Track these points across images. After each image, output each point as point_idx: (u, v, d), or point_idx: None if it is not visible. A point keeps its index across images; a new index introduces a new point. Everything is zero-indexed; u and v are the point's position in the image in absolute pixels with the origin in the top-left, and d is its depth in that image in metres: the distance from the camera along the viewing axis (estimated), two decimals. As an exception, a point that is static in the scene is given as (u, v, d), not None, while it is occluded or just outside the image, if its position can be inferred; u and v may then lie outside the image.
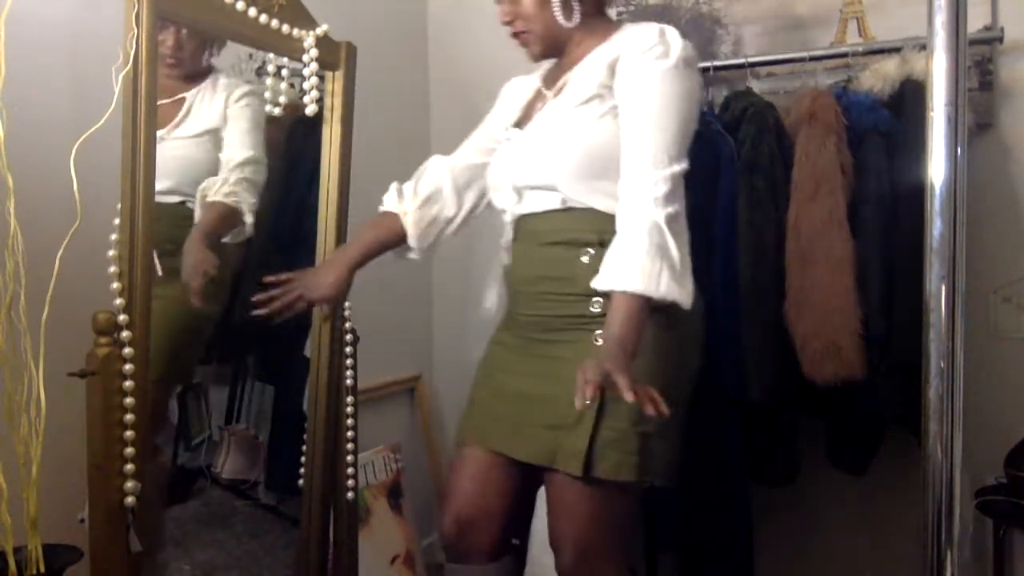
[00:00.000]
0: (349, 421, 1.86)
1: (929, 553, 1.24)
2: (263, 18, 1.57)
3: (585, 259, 1.42)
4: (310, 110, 1.69)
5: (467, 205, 1.70)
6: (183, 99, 1.67)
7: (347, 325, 1.84)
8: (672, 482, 1.44)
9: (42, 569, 1.27)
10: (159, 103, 1.50)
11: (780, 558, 2.25)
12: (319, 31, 1.69)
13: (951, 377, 1.21)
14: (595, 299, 1.40)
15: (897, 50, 1.96)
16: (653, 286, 1.28)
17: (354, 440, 1.87)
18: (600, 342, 1.33)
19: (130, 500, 1.31)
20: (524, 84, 1.69)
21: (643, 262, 1.29)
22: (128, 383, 1.30)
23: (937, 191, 1.21)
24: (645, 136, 1.36)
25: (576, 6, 1.50)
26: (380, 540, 2.28)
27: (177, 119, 1.66)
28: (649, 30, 1.42)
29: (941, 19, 1.19)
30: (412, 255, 1.72)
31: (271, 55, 1.69)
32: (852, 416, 1.93)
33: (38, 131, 1.44)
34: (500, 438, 1.51)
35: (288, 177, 1.93)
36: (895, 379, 1.84)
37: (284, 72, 1.70)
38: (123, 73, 1.30)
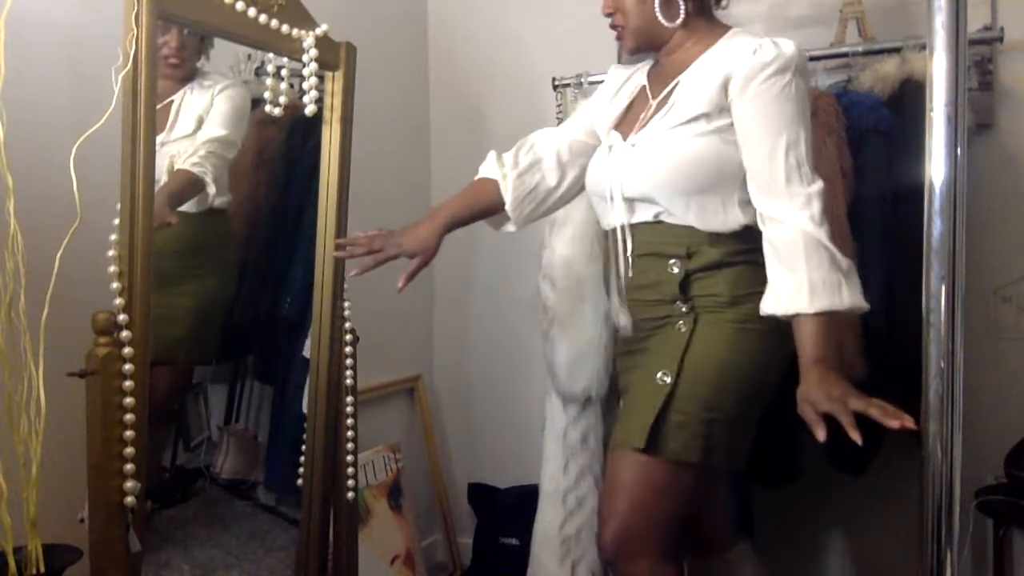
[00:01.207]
0: (349, 421, 1.86)
1: (929, 553, 1.24)
2: (263, 18, 1.57)
3: (674, 269, 1.47)
4: (310, 110, 1.69)
5: (569, 179, 1.69)
6: (171, 102, 1.70)
7: (347, 325, 1.84)
8: (738, 466, 1.49)
9: (42, 569, 1.27)
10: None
11: (780, 558, 2.25)
12: (319, 31, 1.69)
13: (951, 377, 1.21)
14: (679, 301, 1.47)
15: (897, 50, 1.96)
16: (838, 300, 1.32)
17: (354, 440, 1.87)
18: (683, 330, 1.44)
19: (130, 500, 1.31)
20: (628, 76, 1.66)
21: (823, 279, 1.32)
22: (128, 383, 1.30)
23: (937, 191, 1.20)
24: (779, 155, 1.38)
25: (681, 5, 1.49)
26: (380, 540, 2.28)
27: (169, 122, 1.69)
28: (764, 46, 1.41)
29: (941, 19, 1.19)
30: (509, 226, 1.72)
31: (271, 55, 1.69)
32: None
33: (38, 131, 1.44)
34: (616, 431, 1.55)
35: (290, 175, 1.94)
36: (895, 379, 1.84)
37: (284, 72, 1.70)
38: (123, 73, 1.30)
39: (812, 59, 2.06)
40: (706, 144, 1.45)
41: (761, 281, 1.41)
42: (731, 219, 1.46)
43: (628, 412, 1.49)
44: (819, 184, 1.39)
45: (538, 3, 2.58)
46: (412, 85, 2.69)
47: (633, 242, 1.52)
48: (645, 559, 1.44)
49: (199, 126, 1.72)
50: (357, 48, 1.80)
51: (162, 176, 1.59)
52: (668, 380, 1.42)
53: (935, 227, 1.21)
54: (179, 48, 1.67)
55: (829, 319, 1.33)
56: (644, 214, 1.51)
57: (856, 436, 1.22)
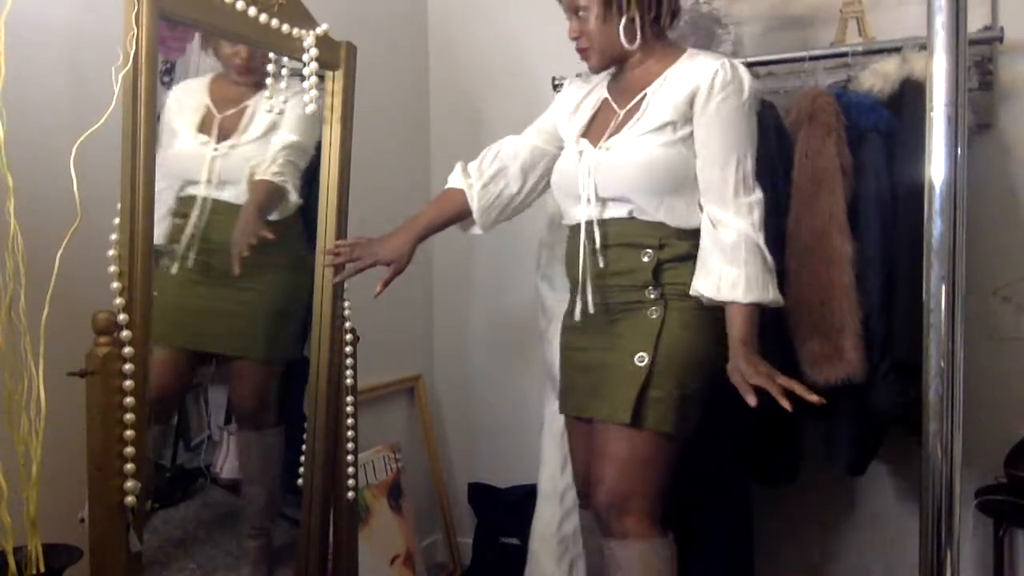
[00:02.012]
0: (349, 421, 1.86)
1: (929, 553, 1.24)
2: (263, 18, 1.57)
3: (645, 258, 1.64)
4: (309, 110, 1.69)
5: (530, 184, 1.86)
6: (246, 107, 1.74)
7: (347, 325, 1.85)
8: (695, 437, 1.66)
9: (42, 569, 1.28)
10: (224, 115, 1.71)
11: (780, 558, 2.25)
12: (319, 31, 1.69)
13: (951, 377, 1.21)
14: (650, 287, 1.63)
15: (897, 50, 1.96)
16: (765, 295, 1.57)
17: (354, 440, 1.87)
18: (651, 316, 1.62)
19: (130, 500, 1.31)
20: (586, 90, 1.81)
21: (756, 277, 1.56)
22: (128, 383, 1.30)
23: (937, 191, 1.20)
24: (731, 167, 1.59)
25: (638, 30, 1.65)
26: (380, 540, 2.28)
27: (242, 126, 1.74)
28: (724, 66, 1.60)
29: (941, 19, 1.19)
30: (476, 230, 1.88)
31: (272, 55, 1.69)
32: (852, 416, 1.93)
33: (38, 131, 1.44)
34: (576, 404, 1.74)
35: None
36: (895, 379, 1.84)
37: (284, 72, 1.70)
38: (123, 73, 1.30)
39: (812, 59, 2.07)
40: (673, 151, 1.62)
41: None
42: (694, 217, 1.64)
43: (609, 389, 1.63)
44: (759, 194, 1.61)
45: (538, 3, 2.56)
46: (412, 85, 2.69)
47: (606, 236, 1.66)
48: (634, 515, 1.61)
49: (270, 130, 1.76)
50: (357, 48, 1.80)
51: (222, 177, 1.69)
52: (646, 361, 1.59)
53: (935, 227, 1.21)
54: (250, 57, 1.72)
55: (756, 308, 1.57)
56: (617, 211, 1.66)
57: (786, 404, 1.45)
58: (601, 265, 1.66)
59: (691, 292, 1.61)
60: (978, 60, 1.99)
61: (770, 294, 1.58)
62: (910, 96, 1.88)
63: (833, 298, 1.85)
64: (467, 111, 2.69)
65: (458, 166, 1.86)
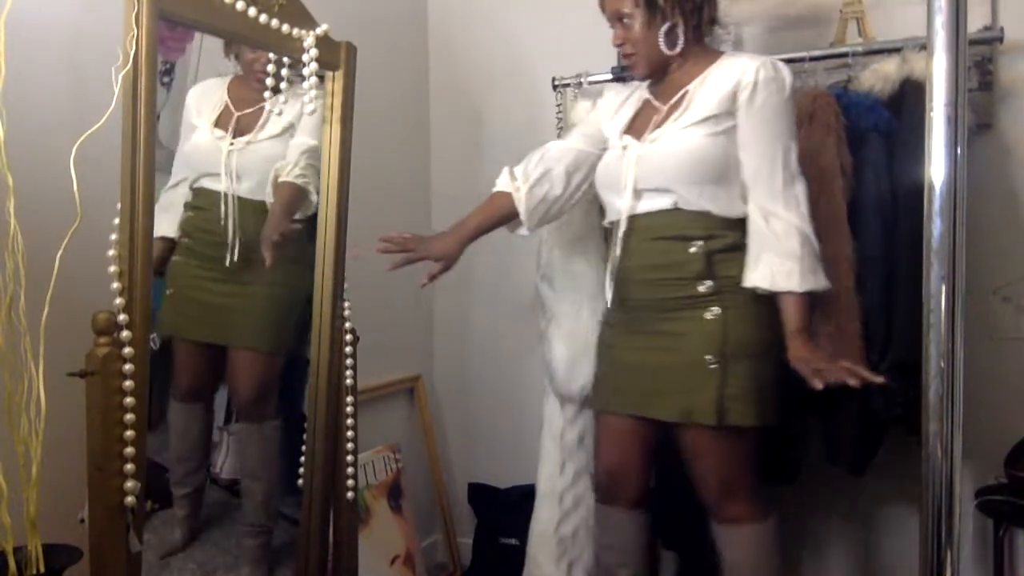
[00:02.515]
0: (349, 421, 1.86)
1: (929, 553, 1.24)
2: (263, 18, 1.57)
3: (693, 249, 1.68)
4: (309, 110, 1.69)
5: (574, 185, 1.91)
6: (263, 107, 1.76)
7: (347, 325, 1.84)
8: (780, 422, 1.73)
9: (42, 569, 1.28)
10: (242, 113, 1.74)
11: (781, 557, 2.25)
12: (319, 31, 1.69)
13: (951, 377, 1.21)
14: (703, 282, 1.67)
15: (897, 50, 1.96)
16: (818, 283, 1.64)
17: (354, 440, 1.87)
18: (710, 316, 1.66)
19: (130, 500, 1.31)
20: (626, 93, 1.90)
21: (809, 266, 1.63)
22: (128, 383, 1.30)
23: (937, 191, 1.20)
24: (778, 161, 1.66)
25: (680, 36, 1.73)
26: (380, 540, 2.28)
27: (259, 124, 1.76)
28: (767, 64, 1.67)
29: (941, 19, 1.19)
30: (522, 231, 1.96)
31: (271, 55, 1.69)
32: (852, 416, 1.93)
33: (38, 131, 1.44)
34: (631, 403, 1.78)
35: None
36: (895, 379, 1.84)
37: (284, 72, 1.70)
38: (123, 73, 1.30)
39: (812, 59, 2.07)
40: (716, 142, 1.67)
41: None
42: (736, 207, 1.69)
43: (678, 390, 1.69)
44: (803, 184, 1.67)
45: (538, 3, 2.58)
46: (412, 85, 2.69)
47: (651, 229, 1.72)
48: (740, 502, 1.73)
49: (286, 130, 1.79)
50: (357, 48, 1.80)
51: (238, 171, 1.73)
52: (717, 363, 1.65)
53: (935, 227, 1.21)
54: (268, 62, 1.72)
55: (809, 296, 1.64)
56: (661, 202, 1.71)
57: (855, 382, 1.53)
58: (646, 259, 1.72)
59: (745, 284, 1.66)
60: (978, 60, 1.99)
61: (822, 281, 1.65)
62: (910, 96, 1.88)
63: (833, 298, 1.85)
64: (467, 111, 2.69)
65: (505, 170, 1.94)
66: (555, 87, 2.36)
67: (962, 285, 1.21)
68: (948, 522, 1.23)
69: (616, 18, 1.76)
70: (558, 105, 2.37)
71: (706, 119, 1.68)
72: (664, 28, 1.71)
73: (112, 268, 1.32)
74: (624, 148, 1.77)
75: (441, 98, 2.74)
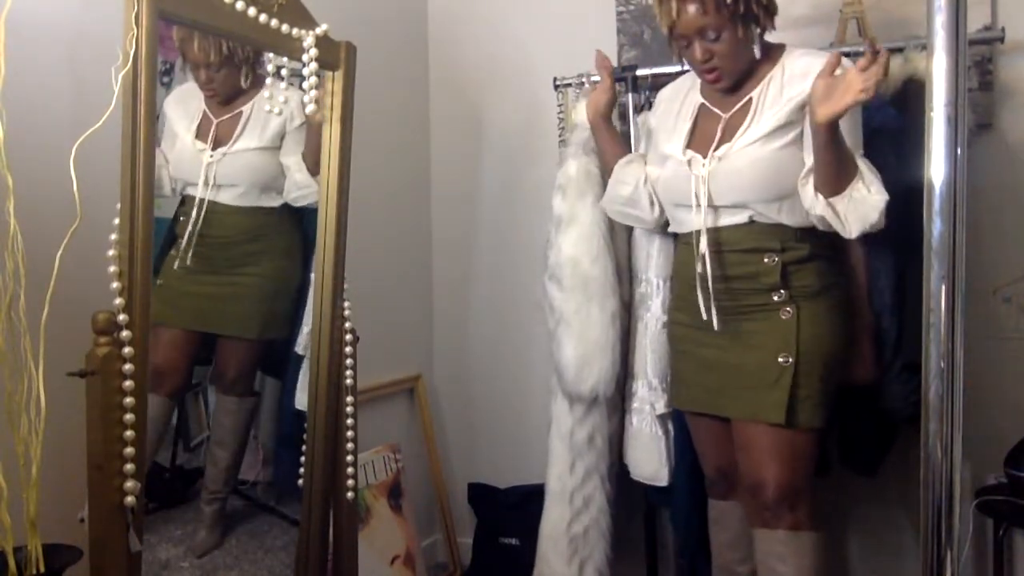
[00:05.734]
0: (349, 421, 1.85)
1: (929, 553, 1.24)
2: (263, 18, 1.57)
3: (767, 259, 1.70)
4: (309, 110, 1.69)
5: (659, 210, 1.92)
6: (240, 112, 1.78)
7: (347, 325, 1.84)
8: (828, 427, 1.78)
9: (42, 569, 1.28)
10: (221, 120, 1.76)
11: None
12: (319, 31, 1.69)
13: (951, 377, 1.21)
14: (778, 292, 1.69)
15: (900, 50, 1.95)
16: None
17: (354, 440, 1.87)
18: (784, 316, 1.69)
19: (130, 500, 1.31)
20: (679, 100, 1.86)
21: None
22: (128, 383, 1.30)
23: (937, 191, 1.20)
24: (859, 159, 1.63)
25: (758, 40, 1.71)
26: (380, 540, 2.28)
27: (238, 130, 1.78)
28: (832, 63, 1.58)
29: (941, 19, 1.19)
30: None
31: (271, 55, 1.69)
32: (865, 417, 1.93)
33: (38, 131, 1.45)
34: (713, 403, 1.80)
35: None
36: (907, 379, 1.84)
37: (284, 72, 1.70)
38: (123, 73, 1.30)
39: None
40: (787, 154, 1.67)
41: (836, 272, 1.77)
42: (808, 217, 1.68)
43: (751, 389, 1.71)
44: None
45: (538, 3, 2.58)
46: (412, 85, 2.69)
47: (726, 242, 1.73)
48: (803, 507, 1.71)
49: (273, 141, 1.82)
50: (357, 48, 1.80)
51: (220, 181, 1.77)
52: (790, 361, 1.66)
53: (935, 227, 1.21)
54: (207, 82, 1.75)
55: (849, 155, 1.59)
56: (735, 217, 1.72)
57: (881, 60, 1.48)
58: (721, 271, 1.73)
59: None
60: (978, 60, 1.99)
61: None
62: (913, 96, 1.88)
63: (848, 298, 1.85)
64: (467, 111, 2.69)
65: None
66: (556, 87, 2.36)
67: (962, 285, 1.21)
68: (948, 522, 1.23)
69: (697, 34, 1.67)
70: (559, 105, 2.37)
71: (776, 130, 1.66)
72: (755, 36, 1.68)
73: (112, 268, 1.32)
74: (689, 163, 1.75)
75: (441, 98, 2.74)
